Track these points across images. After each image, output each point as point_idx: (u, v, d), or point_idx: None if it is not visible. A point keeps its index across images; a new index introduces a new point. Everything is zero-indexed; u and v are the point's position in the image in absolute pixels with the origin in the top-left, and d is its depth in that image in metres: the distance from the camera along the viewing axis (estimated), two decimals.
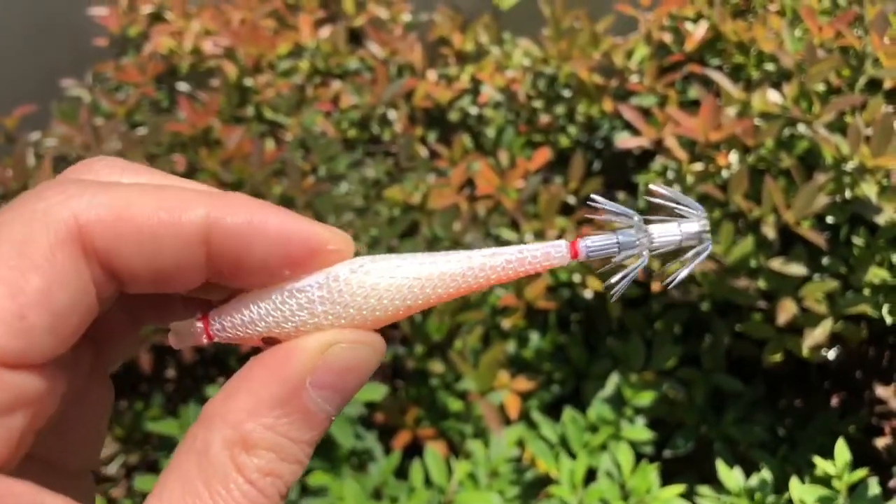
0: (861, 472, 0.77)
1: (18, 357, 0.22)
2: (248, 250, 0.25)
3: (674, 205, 0.28)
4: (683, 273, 0.28)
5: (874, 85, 0.99)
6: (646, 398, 1.01)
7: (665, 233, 0.28)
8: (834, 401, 1.22)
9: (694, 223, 0.28)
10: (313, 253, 0.26)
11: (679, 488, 0.89)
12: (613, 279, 0.28)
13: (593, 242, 0.28)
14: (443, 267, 0.27)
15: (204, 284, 0.26)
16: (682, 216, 0.28)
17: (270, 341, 0.27)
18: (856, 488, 0.78)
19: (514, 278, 0.28)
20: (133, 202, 0.24)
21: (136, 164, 0.27)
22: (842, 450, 0.79)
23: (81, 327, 0.24)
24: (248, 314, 0.27)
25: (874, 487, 0.78)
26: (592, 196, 0.28)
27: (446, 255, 0.28)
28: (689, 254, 0.28)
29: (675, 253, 0.28)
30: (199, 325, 0.27)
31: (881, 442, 1.17)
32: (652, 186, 0.29)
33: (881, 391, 1.24)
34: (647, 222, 0.28)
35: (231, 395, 0.25)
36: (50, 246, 0.23)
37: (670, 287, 0.28)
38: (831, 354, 1.01)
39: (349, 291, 0.26)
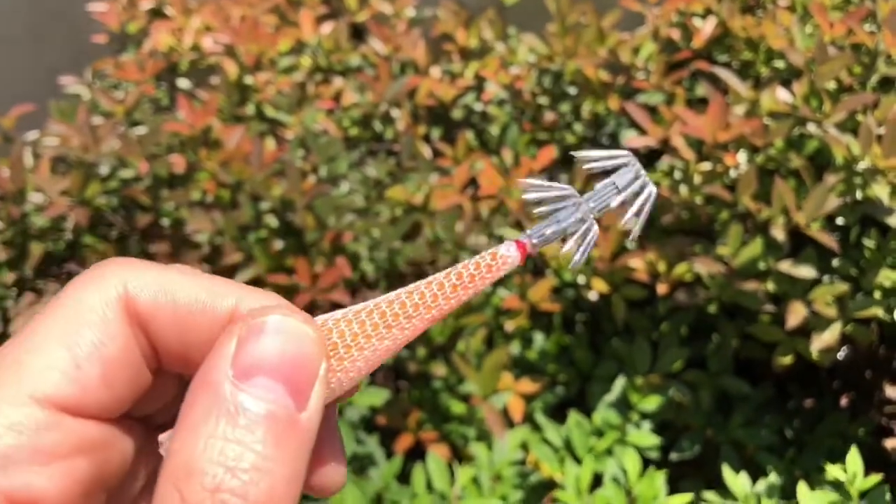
0: (874, 479, 0.76)
1: (77, 405, 0.24)
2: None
3: (604, 163, 0.28)
4: (642, 219, 0.28)
5: (887, 83, 0.97)
6: (652, 402, 1.00)
7: (602, 192, 0.28)
8: (843, 401, 1.21)
9: (627, 171, 0.28)
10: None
11: (687, 497, 0.88)
12: (572, 250, 0.28)
13: (536, 232, 0.28)
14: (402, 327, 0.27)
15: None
16: (615, 170, 0.28)
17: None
18: (867, 494, 0.77)
19: (473, 292, 0.27)
20: (174, 281, 0.26)
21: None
22: (854, 456, 0.77)
23: (134, 389, 0.26)
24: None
25: (887, 494, 0.76)
26: (519, 181, 0.28)
27: (393, 300, 0.27)
28: (638, 201, 0.28)
29: (629, 203, 0.28)
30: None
31: (890, 443, 1.16)
32: (579, 155, 0.28)
33: (891, 391, 1.23)
34: (589, 188, 0.28)
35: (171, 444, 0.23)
36: (102, 305, 0.25)
37: (632, 237, 0.28)
38: (841, 354, 1.00)
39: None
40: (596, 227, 0.28)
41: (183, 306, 0.25)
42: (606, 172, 0.28)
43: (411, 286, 0.27)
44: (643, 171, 0.28)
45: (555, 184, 0.28)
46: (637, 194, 0.28)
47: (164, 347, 0.26)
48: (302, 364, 0.23)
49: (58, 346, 0.24)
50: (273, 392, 0.22)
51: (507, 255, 0.28)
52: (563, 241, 0.28)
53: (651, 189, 0.28)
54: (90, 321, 0.24)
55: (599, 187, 0.28)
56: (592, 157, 0.28)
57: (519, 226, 1.09)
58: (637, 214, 0.28)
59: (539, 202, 0.28)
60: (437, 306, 0.27)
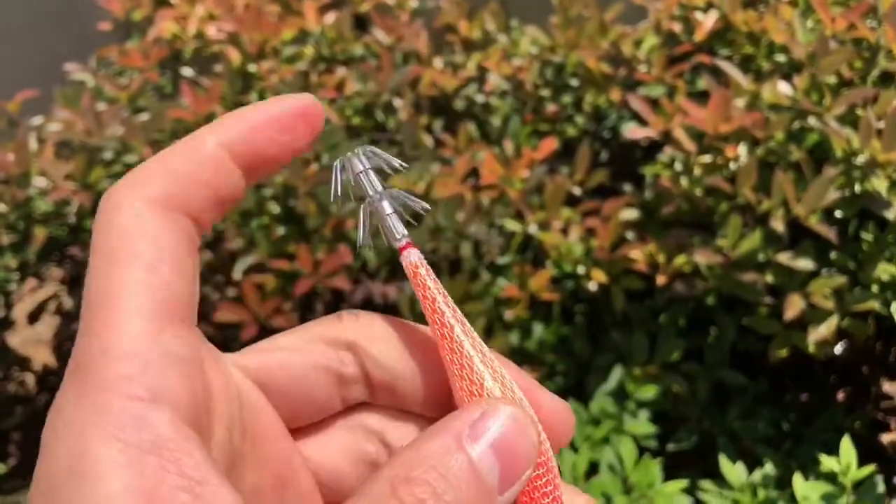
0: (867, 469, 0.76)
1: (174, 308, 0.25)
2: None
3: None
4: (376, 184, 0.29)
5: (887, 77, 0.97)
6: (649, 392, 1.01)
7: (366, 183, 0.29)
8: (840, 396, 1.21)
9: (352, 158, 0.29)
10: None
11: (682, 483, 0.88)
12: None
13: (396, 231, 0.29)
14: None
15: None
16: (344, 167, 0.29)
17: None
18: (861, 485, 0.77)
19: (430, 304, 0.29)
20: (174, 161, 0.26)
21: None
22: (847, 447, 0.78)
23: (197, 272, 0.27)
24: None
25: (880, 485, 0.77)
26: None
27: None
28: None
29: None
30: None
31: (887, 438, 1.17)
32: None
33: (888, 387, 1.23)
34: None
35: (399, 450, 0.26)
36: (137, 216, 0.25)
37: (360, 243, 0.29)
38: (838, 349, 1.00)
39: None
40: (380, 204, 0.29)
41: (186, 173, 0.27)
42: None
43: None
44: (351, 152, 0.29)
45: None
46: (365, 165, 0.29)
47: (199, 208, 0.27)
48: (520, 455, 0.26)
49: (129, 261, 0.25)
50: (490, 463, 0.25)
51: (412, 259, 0.29)
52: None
53: (352, 162, 0.29)
54: (141, 232, 0.25)
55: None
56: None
57: (519, 216, 1.09)
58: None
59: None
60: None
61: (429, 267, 0.29)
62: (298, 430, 0.31)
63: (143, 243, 0.25)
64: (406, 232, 0.29)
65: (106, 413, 0.23)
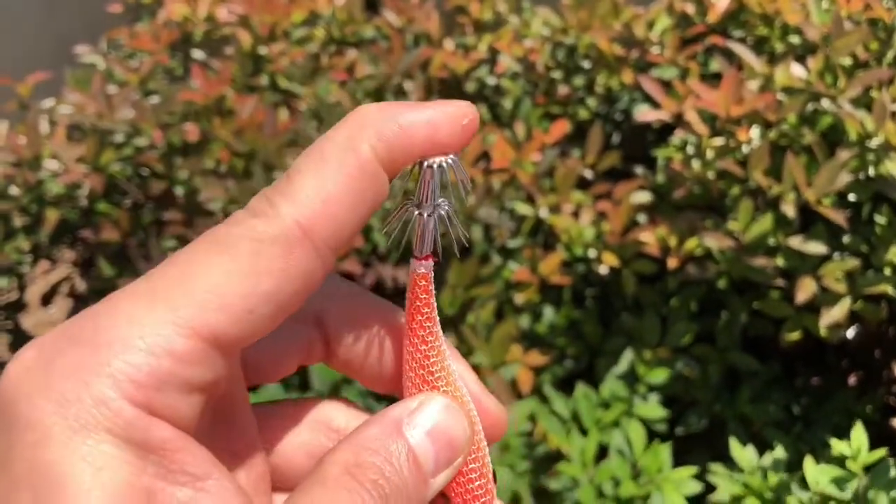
0: (878, 453, 0.76)
1: (233, 342, 0.24)
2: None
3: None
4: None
5: None
6: (659, 375, 1.00)
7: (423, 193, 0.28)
8: (851, 380, 1.21)
9: (444, 165, 0.28)
10: None
11: (691, 470, 0.88)
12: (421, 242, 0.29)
13: (423, 245, 0.29)
14: None
15: None
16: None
17: None
18: (872, 469, 0.77)
19: (424, 314, 0.30)
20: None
21: None
22: (859, 431, 0.78)
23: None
24: None
25: (891, 469, 0.77)
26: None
27: None
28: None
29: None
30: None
31: None
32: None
33: None
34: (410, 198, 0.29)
35: (348, 436, 0.27)
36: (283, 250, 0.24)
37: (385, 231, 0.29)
38: (850, 333, 1.00)
39: None
40: (435, 218, 0.28)
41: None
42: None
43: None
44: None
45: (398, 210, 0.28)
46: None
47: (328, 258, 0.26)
48: (454, 443, 0.28)
49: (235, 294, 0.24)
50: (426, 448, 0.27)
51: (421, 270, 0.29)
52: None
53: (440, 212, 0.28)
54: (270, 271, 0.24)
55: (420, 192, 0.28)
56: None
57: (530, 199, 1.09)
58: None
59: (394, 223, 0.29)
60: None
61: (432, 286, 0.29)
62: (257, 411, 0.31)
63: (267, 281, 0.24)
64: (433, 247, 0.29)
65: (108, 410, 0.22)
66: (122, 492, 0.22)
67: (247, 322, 0.24)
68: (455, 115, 0.27)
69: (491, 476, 0.30)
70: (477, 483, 0.29)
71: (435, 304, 0.29)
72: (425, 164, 0.27)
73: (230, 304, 0.23)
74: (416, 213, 0.28)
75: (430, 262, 0.29)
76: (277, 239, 0.24)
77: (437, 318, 0.30)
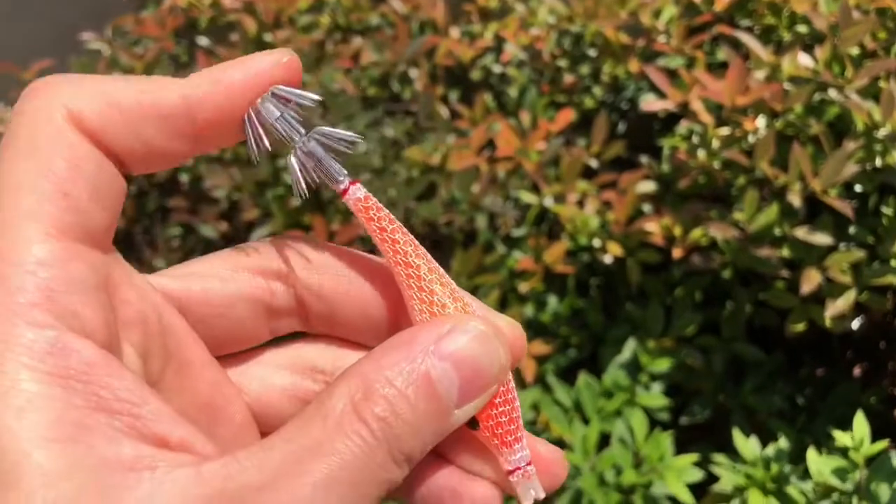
0: (880, 445, 0.76)
1: (84, 232, 0.23)
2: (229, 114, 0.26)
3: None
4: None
5: None
6: (663, 364, 1.00)
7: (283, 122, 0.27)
8: (856, 371, 1.21)
9: (265, 104, 0.27)
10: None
11: (692, 458, 0.88)
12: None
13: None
14: None
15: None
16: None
17: None
18: (874, 460, 0.77)
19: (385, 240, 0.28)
20: (113, 88, 0.25)
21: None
22: (860, 422, 0.78)
23: (118, 201, 0.25)
24: None
25: (893, 460, 0.77)
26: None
27: None
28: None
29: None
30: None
31: None
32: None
33: None
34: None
35: (357, 363, 0.25)
36: (57, 131, 0.24)
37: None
38: (855, 324, 0.99)
39: None
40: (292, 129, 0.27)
41: (128, 109, 0.25)
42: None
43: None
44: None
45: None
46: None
47: (124, 152, 0.25)
48: (485, 373, 0.26)
49: (35, 180, 0.23)
50: (450, 380, 0.25)
51: (359, 195, 0.28)
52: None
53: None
54: (55, 149, 0.23)
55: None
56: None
57: (535, 188, 1.09)
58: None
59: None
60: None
61: (377, 200, 0.28)
62: (231, 360, 0.30)
63: (59, 162, 0.23)
64: (345, 171, 0.27)
65: (17, 345, 0.21)
66: (52, 429, 0.20)
67: (72, 210, 0.23)
68: (272, 63, 0.27)
69: (517, 403, 0.28)
70: (501, 409, 0.27)
71: (398, 221, 0.28)
72: (246, 115, 0.26)
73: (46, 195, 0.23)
74: (292, 153, 0.27)
75: (359, 185, 0.27)
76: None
77: (411, 235, 0.28)
